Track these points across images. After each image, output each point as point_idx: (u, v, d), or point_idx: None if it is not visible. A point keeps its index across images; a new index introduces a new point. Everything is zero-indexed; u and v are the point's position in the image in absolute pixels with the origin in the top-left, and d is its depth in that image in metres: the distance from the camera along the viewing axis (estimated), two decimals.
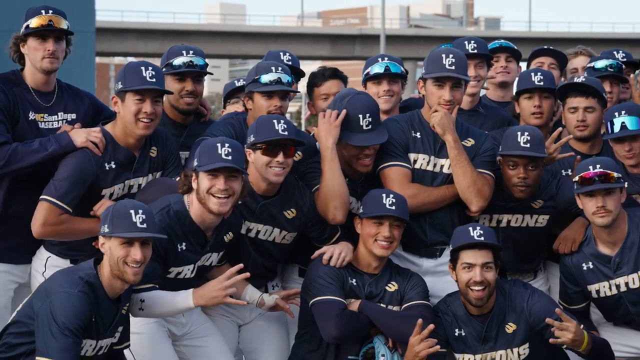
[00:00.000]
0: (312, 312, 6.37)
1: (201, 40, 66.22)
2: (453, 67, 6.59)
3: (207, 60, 7.10)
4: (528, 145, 6.55)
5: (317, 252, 6.52)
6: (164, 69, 6.79)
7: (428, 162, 6.73)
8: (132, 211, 5.66)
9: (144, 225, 5.65)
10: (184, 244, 6.13)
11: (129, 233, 5.64)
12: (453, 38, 7.78)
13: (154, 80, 6.29)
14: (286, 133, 6.31)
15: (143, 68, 6.30)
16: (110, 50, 67.82)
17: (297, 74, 7.33)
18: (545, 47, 8.36)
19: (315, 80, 7.71)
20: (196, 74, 6.86)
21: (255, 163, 6.35)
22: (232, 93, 7.98)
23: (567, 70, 8.39)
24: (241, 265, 6.01)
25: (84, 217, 6.36)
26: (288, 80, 6.67)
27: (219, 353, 6.49)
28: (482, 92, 8.32)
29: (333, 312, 6.26)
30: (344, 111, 6.55)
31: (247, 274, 6.03)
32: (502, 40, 8.29)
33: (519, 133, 6.60)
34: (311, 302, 6.37)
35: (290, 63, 7.18)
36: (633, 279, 6.50)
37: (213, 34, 68.33)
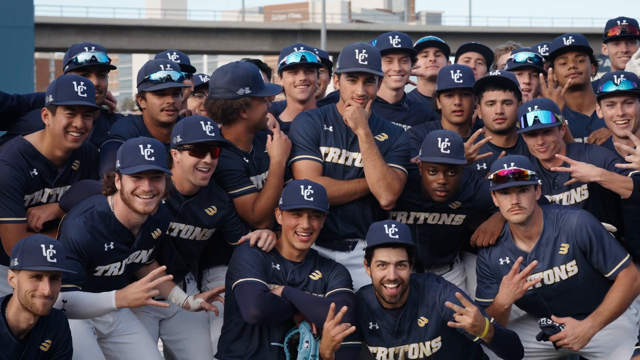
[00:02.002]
0: (235, 294, 6.41)
1: (141, 36, 65.86)
2: (366, 63, 6.66)
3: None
4: (448, 151, 6.63)
5: (243, 238, 6.60)
6: (67, 66, 6.86)
7: (340, 156, 6.81)
8: (42, 245, 5.69)
9: (54, 260, 5.68)
10: (111, 243, 6.19)
11: (38, 267, 5.66)
12: None
13: (85, 95, 6.32)
14: (213, 135, 6.42)
15: (75, 82, 6.34)
16: (49, 46, 67.19)
17: (188, 70, 7.38)
18: (473, 42, 8.49)
19: None
20: (99, 69, 6.90)
21: (182, 164, 6.42)
22: (196, 89, 7.91)
23: (497, 65, 8.50)
24: (164, 267, 6.10)
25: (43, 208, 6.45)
26: (179, 77, 6.73)
27: (145, 349, 6.53)
28: (413, 87, 8.51)
29: (254, 292, 6.30)
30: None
31: (170, 276, 6.11)
32: (431, 36, 8.41)
33: (439, 139, 6.67)
34: (233, 285, 6.41)
35: (179, 61, 7.21)
36: (548, 275, 6.56)
37: (153, 29, 67.90)
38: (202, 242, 6.78)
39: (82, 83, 6.36)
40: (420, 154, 6.80)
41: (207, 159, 6.41)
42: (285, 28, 73.55)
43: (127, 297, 6.05)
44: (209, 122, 6.46)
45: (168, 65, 6.73)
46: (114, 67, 7.12)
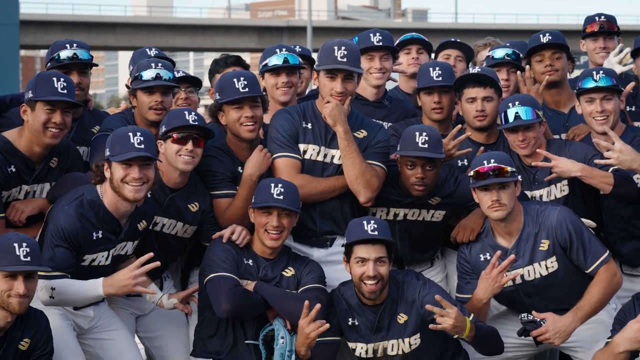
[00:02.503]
0: (207, 289, 6.43)
1: (127, 33, 65.73)
2: (345, 60, 6.68)
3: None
4: (426, 145, 6.64)
5: (217, 234, 6.61)
6: (49, 64, 6.90)
7: (318, 153, 6.81)
8: (15, 244, 5.67)
9: (28, 259, 5.66)
10: (100, 232, 6.22)
11: (11, 267, 5.64)
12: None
13: (65, 91, 6.35)
14: (196, 123, 6.47)
15: (55, 79, 6.37)
16: (35, 43, 66.94)
17: None
18: (452, 39, 8.46)
19: (218, 67, 7.90)
20: (81, 66, 6.96)
21: (166, 152, 6.49)
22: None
23: (476, 61, 8.51)
24: (151, 254, 6.13)
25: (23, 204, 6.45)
26: (169, 77, 6.80)
27: (126, 345, 6.55)
28: (394, 84, 8.54)
29: (225, 287, 6.32)
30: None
31: (158, 263, 6.14)
32: (414, 33, 8.41)
33: (417, 133, 6.68)
34: (205, 280, 6.43)
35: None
36: (528, 271, 6.58)
37: (139, 26, 67.81)
38: (182, 240, 6.81)
39: (62, 79, 6.40)
40: (398, 149, 6.81)
41: (189, 146, 6.47)
42: (271, 25, 73.49)
43: (114, 284, 6.09)
44: (192, 112, 6.54)
45: (159, 64, 6.81)
46: (96, 65, 7.18)
